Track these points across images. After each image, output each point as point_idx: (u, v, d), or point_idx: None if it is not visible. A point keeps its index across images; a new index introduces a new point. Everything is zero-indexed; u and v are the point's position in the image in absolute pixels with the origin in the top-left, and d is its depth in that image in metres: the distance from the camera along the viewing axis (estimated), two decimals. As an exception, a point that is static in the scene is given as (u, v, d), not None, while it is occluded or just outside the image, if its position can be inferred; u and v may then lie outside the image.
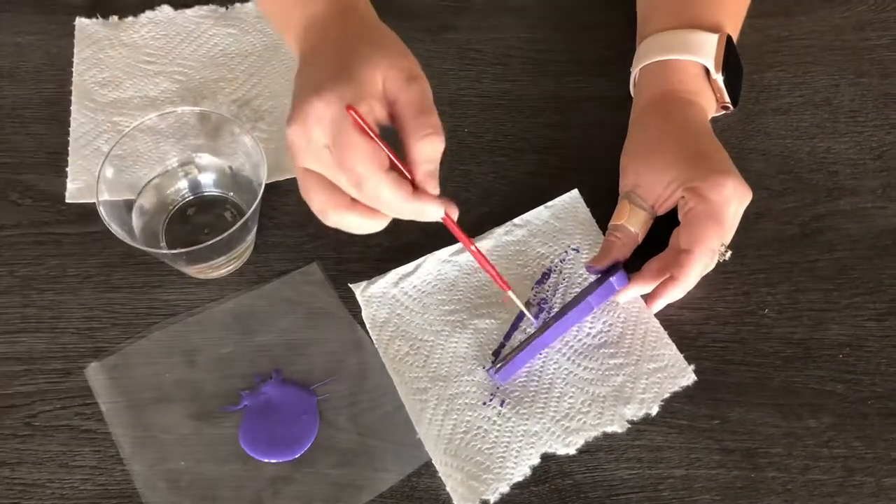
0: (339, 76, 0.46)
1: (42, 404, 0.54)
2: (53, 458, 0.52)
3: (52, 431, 0.53)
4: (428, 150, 0.45)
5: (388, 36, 0.49)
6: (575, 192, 0.61)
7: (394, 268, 0.58)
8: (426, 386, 0.54)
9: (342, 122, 0.44)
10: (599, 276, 0.57)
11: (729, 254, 0.55)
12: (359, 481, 0.52)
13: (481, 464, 0.52)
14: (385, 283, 0.58)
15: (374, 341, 0.56)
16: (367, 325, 0.57)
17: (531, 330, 0.56)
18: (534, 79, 0.68)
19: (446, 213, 0.47)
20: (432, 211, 0.47)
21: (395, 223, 0.60)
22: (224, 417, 0.54)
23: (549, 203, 0.61)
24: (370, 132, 0.45)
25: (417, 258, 0.59)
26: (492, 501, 0.51)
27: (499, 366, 0.54)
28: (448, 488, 0.51)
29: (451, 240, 0.59)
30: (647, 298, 0.56)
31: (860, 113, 0.66)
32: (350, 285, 0.58)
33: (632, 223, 0.56)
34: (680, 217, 0.55)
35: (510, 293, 0.52)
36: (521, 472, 0.52)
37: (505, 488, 0.51)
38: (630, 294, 0.55)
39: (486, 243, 0.59)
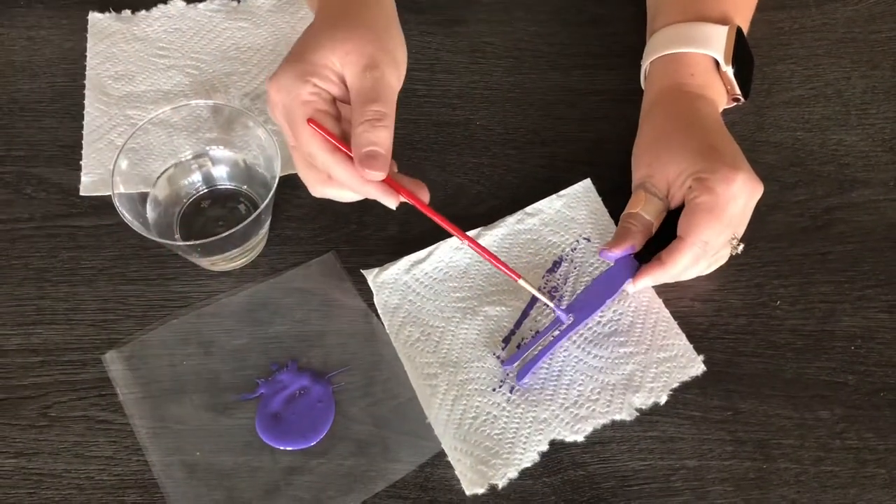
0: (298, 57, 0.49)
1: (58, 395, 0.54)
2: (69, 448, 0.53)
3: (68, 422, 0.54)
4: (364, 135, 0.47)
5: (370, 17, 0.52)
6: (587, 181, 0.62)
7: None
8: (436, 371, 0.55)
9: (291, 107, 0.49)
10: (610, 267, 0.57)
11: (741, 247, 0.55)
12: (372, 471, 0.52)
13: (490, 449, 0.52)
14: (397, 270, 0.58)
15: (386, 327, 0.57)
16: (379, 311, 0.57)
17: (541, 318, 0.57)
18: (544, 72, 0.68)
19: (414, 199, 0.50)
20: (380, 196, 0.50)
21: (408, 216, 0.61)
22: (240, 408, 0.54)
23: (562, 192, 0.61)
24: (323, 130, 0.48)
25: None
26: (500, 486, 0.51)
27: (517, 367, 0.54)
28: (457, 473, 0.52)
29: (465, 228, 0.59)
30: (634, 278, 0.55)
31: (872, 105, 0.66)
32: (362, 271, 0.58)
33: (647, 212, 0.56)
34: (685, 204, 0.55)
35: (522, 281, 0.52)
36: (529, 458, 0.52)
37: (513, 474, 0.51)
38: (640, 285, 0.55)
39: (497, 232, 0.60)
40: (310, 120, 0.48)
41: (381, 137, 0.47)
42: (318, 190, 0.52)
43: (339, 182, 0.50)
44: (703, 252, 0.54)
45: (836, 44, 0.69)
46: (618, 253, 0.55)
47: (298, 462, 0.53)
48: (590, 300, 0.55)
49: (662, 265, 0.54)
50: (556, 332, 0.55)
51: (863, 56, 0.68)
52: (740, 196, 0.53)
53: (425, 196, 0.51)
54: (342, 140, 0.49)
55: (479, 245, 0.52)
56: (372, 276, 0.58)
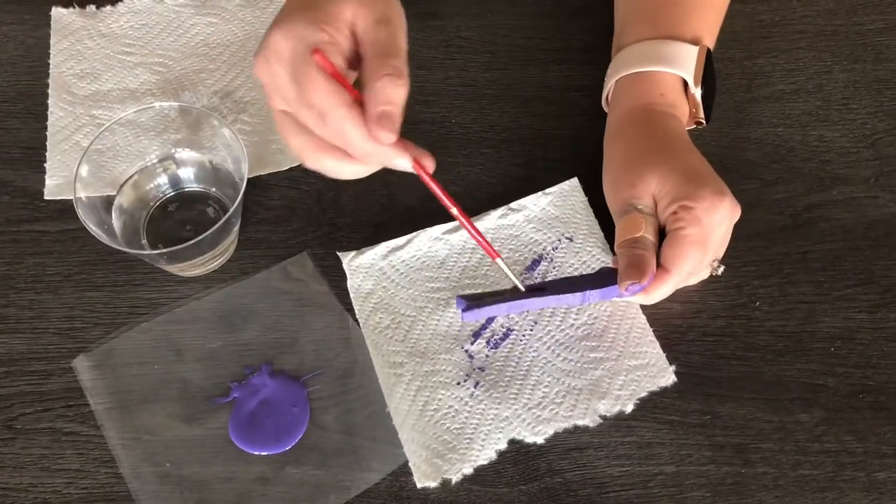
0: (307, 6, 0.45)
1: (23, 406, 0.53)
2: (36, 461, 0.52)
3: (34, 434, 0.52)
4: (384, 91, 0.43)
5: None
6: (574, 180, 0.61)
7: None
8: (403, 361, 0.54)
9: (302, 54, 0.43)
10: (598, 270, 0.56)
11: (721, 269, 0.54)
12: (346, 480, 0.51)
13: (448, 443, 0.52)
14: (374, 255, 0.58)
15: (357, 311, 0.56)
16: (351, 295, 0.56)
17: (515, 316, 0.56)
18: (521, 67, 0.67)
19: (418, 165, 0.45)
20: (395, 158, 0.44)
21: (382, 216, 0.60)
22: (212, 416, 0.53)
23: (548, 190, 0.60)
24: (331, 66, 0.43)
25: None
26: (454, 481, 0.51)
27: (469, 304, 0.51)
28: (410, 464, 0.51)
29: (445, 219, 0.58)
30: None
31: (853, 100, 0.65)
32: (338, 253, 0.57)
33: (650, 233, 0.53)
34: (667, 230, 0.53)
35: (499, 260, 0.50)
36: (486, 455, 0.51)
37: (468, 469, 0.51)
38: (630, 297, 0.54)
39: (479, 225, 0.59)
40: (316, 51, 0.43)
41: (399, 96, 0.43)
42: (314, 159, 0.45)
43: (348, 143, 0.44)
44: (686, 280, 0.53)
45: (818, 37, 0.68)
46: (647, 283, 0.51)
47: (271, 471, 0.52)
48: (567, 287, 0.53)
49: (646, 295, 0.52)
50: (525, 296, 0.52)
51: (844, 49, 0.67)
52: (724, 222, 0.52)
53: (431, 165, 0.46)
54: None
55: (468, 219, 0.49)
56: (347, 260, 0.57)
